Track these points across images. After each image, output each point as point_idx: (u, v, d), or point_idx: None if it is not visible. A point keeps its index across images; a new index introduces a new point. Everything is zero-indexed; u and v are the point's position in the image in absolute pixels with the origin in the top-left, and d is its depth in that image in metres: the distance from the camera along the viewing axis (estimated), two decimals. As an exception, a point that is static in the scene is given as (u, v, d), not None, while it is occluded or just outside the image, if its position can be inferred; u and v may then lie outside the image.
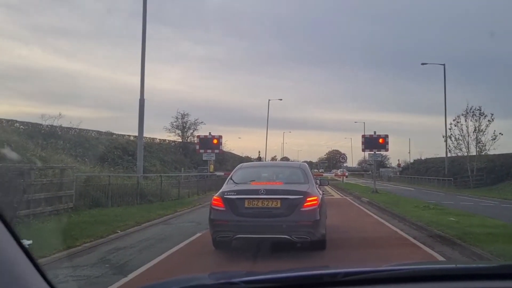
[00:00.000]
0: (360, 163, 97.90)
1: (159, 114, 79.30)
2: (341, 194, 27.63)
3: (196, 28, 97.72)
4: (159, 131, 50.51)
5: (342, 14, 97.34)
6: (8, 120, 25.46)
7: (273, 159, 72.30)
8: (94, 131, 33.75)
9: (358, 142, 28.45)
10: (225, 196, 7.60)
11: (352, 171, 76.48)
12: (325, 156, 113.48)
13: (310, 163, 53.90)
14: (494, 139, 39.20)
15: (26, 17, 68.30)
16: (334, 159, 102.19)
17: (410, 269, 1.80)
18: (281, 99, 57.30)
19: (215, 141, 26.68)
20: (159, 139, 42.80)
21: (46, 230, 9.52)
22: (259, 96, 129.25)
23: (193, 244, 9.05)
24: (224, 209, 7.51)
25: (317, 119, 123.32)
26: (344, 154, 53.02)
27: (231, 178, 8.48)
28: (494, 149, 39.96)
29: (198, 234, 10.04)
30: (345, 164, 50.85)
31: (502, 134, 39.34)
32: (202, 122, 45.98)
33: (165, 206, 15.90)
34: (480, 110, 40.19)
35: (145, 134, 33.71)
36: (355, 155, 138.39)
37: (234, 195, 7.58)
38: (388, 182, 58.24)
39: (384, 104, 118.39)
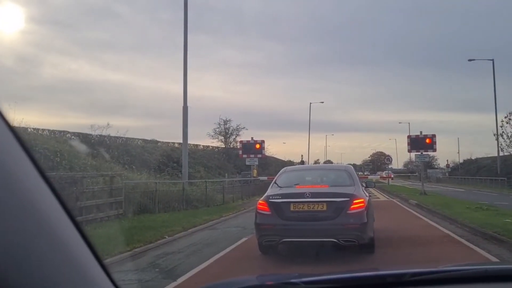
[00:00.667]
0: (406, 165, 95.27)
1: (202, 121, 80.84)
2: (387, 196, 26.97)
3: (234, 35, 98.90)
4: (203, 137, 51.47)
5: (384, 12, 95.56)
6: (60, 131, 26.62)
7: (316, 162, 71.71)
8: (140, 139, 34.70)
9: (403, 143, 27.83)
10: (270, 200, 7.58)
11: (398, 173, 74.44)
12: (369, 158, 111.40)
13: (354, 166, 53.01)
14: (552, 135, 37.14)
15: (74, 32, 71.46)
16: (378, 161, 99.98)
17: (482, 268, 1.70)
18: (322, 102, 57.19)
19: (257, 146, 26.76)
20: (203, 146, 43.53)
21: (98, 236, 9.84)
22: (300, 100, 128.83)
23: (239, 249, 9.09)
24: (270, 213, 7.49)
25: (360, 121, 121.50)
26: (389, 156, 52.00)
27: (275, 182, 8.44)
28: (551, 146, 37.85)
29: (244, 239, 10.07)
30: (390, 166, 49.76)
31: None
32: (244, 128, 46.41)
33: (211, 212, 16.07)
34: (535, 105, 38.24)
35: (189, 141, 34.46)
36: (400, 156, 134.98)
37: (279, 198, 7.56)
38: (437, 183, 56.29)
39: (430, 103, 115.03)
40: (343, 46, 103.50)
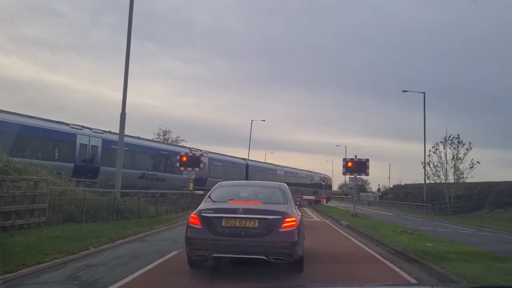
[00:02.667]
0: (340, 187, 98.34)
1: (141, 130, 78.74)
2: (320, 217, 27.55)
3: (181, 46, 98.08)
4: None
5: (330, 38, 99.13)
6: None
7: (254, 179, 72.20)
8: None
9: (339, 166, 28.57)
10: (202, 214, 7.46)
11: (333, 195, 76.61)
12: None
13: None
14: (472, 167, 39.95)
15: (8, 26, 67.67)
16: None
17: None
18: (264, 120, 57.64)
19: (196, 159, 26.46)
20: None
21: (14, 244, 9.17)
22: (242, 116, 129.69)
23: (168, 263, 8.82)
24: (201, 227, 7.36)
25: (299, 141, 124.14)
26: (325, 177, 53.28)
27: (209, 196, 8.34)
28: (472, 177, 40.71)
29: (174, 252, 9.82)
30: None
31: (479, 163, 40.12)
32: (183, 140, 45.82)
33: (142, 223, 15.57)
34: (459, 139, 41.07)
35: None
36: (336, 178, 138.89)
37: (211, 213, 7.44)
38: (368, 206, 58.56)
39: (367, 129, 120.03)
40: (288, 67, 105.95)
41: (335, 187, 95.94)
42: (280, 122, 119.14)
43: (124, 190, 19.20)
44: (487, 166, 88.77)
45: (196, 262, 7.73)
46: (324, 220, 25.03)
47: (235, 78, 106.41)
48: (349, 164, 27.54)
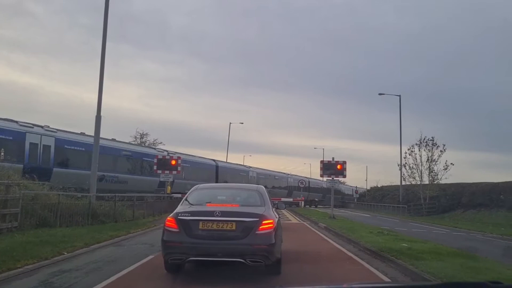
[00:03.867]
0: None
1: (117, 133, 77.81)
2: (298, 219, 27.68)
3: (158, 48, 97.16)
4: (117, 150, 49.24)
5: (307, 41, 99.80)
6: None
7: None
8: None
9: (317, 168, 28.78)
10: (179, 217, 7.39)
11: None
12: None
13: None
14: (446, 168, 40.78)
15: (-19, 27, 65.96)
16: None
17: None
18: (242, 123, 57.55)
19: (173, 162, 26.26)
20: (116, 158, 41.67)
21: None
22: (220, 119, 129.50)
23: (144, 267, 8.71)
24: (178, 230, 7.29)
25: (277, 144, 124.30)
26: (302, 180, 53.58)
27: (186, 199, 8.28)
28: (446, 179, 41.53)
29: (151, 256, 9.70)
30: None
31: (453, 164, 40.99)
32: (161, 143, 45.47)
33: (118, 227, 15.34)
34: (433, 141, 41.86)
35: (101, 153, 32.91)
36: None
37: (188, 216, 7.39)
38: (346, 208, 59.08)
39: (344, 131, 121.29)
40: (266, 70, 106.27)
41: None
42: (258, 125, 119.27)
43: (100, 194, 18.88)
44: (460, 168, 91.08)
45: (173, 266, 7.66)
46: (302, 222, 25.15)
47: (212, 81, 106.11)
48: (326, 166, 27.79)
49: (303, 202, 42.29)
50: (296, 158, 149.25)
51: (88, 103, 79.99)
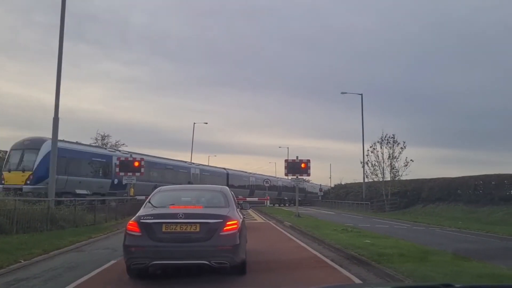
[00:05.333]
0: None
1: (78, 135, 75.69)
2: (264, 218, 27.77)
3: (119, 47, 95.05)
4: (77, 152, 47.82)
5: (272, 41, 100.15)
6: None
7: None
8: (2, 151, 31.24)
9: (282, 167, 28.97)
10: (141, 221, 7.24)
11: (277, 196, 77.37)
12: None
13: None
14: (406, 165, 41.93)
15: None
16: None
17: None
18: (206, 123, 57.17)
19: (136, 163, 25.77)
20: (77, 161, 40.45)
21: None
22: (185, 119, 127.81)
23: (106, 272, 8.48)
24: (140, 234, 7.14)
25: (242, 144, 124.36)
26: (268, 179, 53.78)
27: (149, 202, 8.13)
28: (407, 175, 42.71)
29: (113, 262, 9.46)
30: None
31: (413, 161, 42.22)
32: (123, 144, 44.50)
33: (79, 232, 14.89)
34: (394, 138, 42.95)
35: (60, 156, 31.81)
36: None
37: (151, 219, 7.25)
38: (311, 206, 59.77)
39: (308, 130, 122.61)
40: (231, 69, 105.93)
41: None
42: (223, 125, 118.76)
43: (58, 199, 18.27)
44: (421, 164, 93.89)
45: (135, 271, 7.49)
46: (268, 221, 25.24)
47: (176, 81, 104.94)
48: (291, 165, 28.02)
49: (268, 201, 42.39)
50: (262, 157, 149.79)
51: (46, 104, 77.12)
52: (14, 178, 23.24)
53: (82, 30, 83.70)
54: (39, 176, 22.39)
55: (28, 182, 22.79)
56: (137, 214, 7.57)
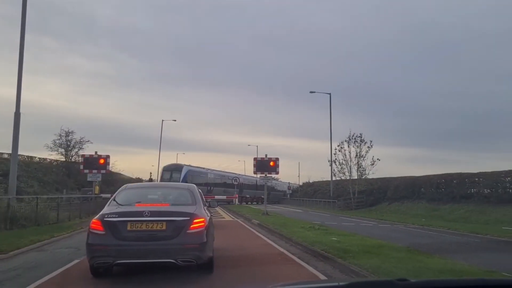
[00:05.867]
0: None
1: (40, 131, 73.20)
2: (232, 216, 27.72)
3: (84, 42, 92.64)
4: (39, 149, 46.54)
5: (239, 39, 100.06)
6: None
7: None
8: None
9: (251, 165, 28.98)
10: (105, 219, 7.07)
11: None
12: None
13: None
14: (373, 164, 42.72)
15: None
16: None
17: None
18: (175, 120, 56.75)
19: (101, 161, 25.16)
20: (39, 158, 39.20)
21: None
22: (152, 116, 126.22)
23: (68, 272, 8.24)
24: (104, 232, 6.98)
25: (211, 141, 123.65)
26: (236, 177, 53.78)
27: (114, 199, 7.95)
28: (373, 173, 43.47)
29: (76, 261, 9.22)
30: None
31: (379, 160, 43.06)
32: (88, 141, 43.27)
33: (41, 231, 14.44)
34: (361, 137, 43.65)
35: (22, 152, 30.78)
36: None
37: (115, 217, 7.09)
38: (279, 204, 60.14)
39: (277, 129, 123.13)
40: (200, 67, 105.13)
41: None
42: (192, 123, 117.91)
43: (19, 196, 17.66)
44: (387, 163, 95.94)
45: (99, 270, 7.31)
46: (236, 219, 25.21)
47: (144, 77, 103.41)
48: (260, 163, 28.07)
49: (236, 200, 42.37)
50: (231, 155, 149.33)
51: (6, 99, 74.34)
52: None
53: (46, 23, 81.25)
54: None
55: None
56: (100, 212, 7.40)
